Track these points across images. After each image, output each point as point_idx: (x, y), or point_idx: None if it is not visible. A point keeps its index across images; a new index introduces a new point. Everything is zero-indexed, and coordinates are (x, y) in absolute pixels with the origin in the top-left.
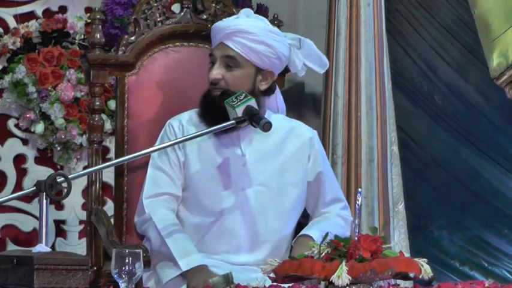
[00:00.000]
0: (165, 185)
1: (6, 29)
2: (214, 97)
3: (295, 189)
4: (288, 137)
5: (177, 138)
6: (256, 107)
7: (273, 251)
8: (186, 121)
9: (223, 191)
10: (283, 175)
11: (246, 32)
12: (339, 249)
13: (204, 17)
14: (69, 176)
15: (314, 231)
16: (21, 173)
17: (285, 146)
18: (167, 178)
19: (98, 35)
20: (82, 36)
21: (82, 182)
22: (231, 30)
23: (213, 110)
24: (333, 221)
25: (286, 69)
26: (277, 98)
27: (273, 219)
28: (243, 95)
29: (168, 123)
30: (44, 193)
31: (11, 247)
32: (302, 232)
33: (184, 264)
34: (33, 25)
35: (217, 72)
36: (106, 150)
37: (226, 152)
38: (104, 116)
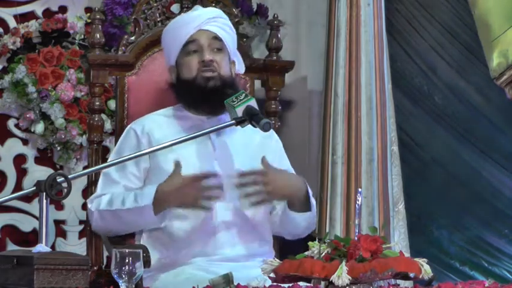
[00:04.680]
0: (107, 188)
1: (6, 29)
2: (206, 78)
3: None
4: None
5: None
6: (256, 106)
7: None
8: (150, 124)
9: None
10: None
11: (221, 17)
12: (339, 249)
13: None
14: (69, 176)
15: None
16: (21, 173)
17: (251, 137)
18: (111, 184)
19: (98, 35)
20: (82, 36)
21: (82, 182)
22: (209, 16)
23: (205, 93)
24: None
25: (286, 69)
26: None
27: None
28: (243, 95)
29: (129, 127)
30: (44, 193)
31: (11, 247)
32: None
33: (147, 200)
34: (33, 25)
35: (209, 54)
36: (106, 150)
37: (197, 147)
38: (104, 116)
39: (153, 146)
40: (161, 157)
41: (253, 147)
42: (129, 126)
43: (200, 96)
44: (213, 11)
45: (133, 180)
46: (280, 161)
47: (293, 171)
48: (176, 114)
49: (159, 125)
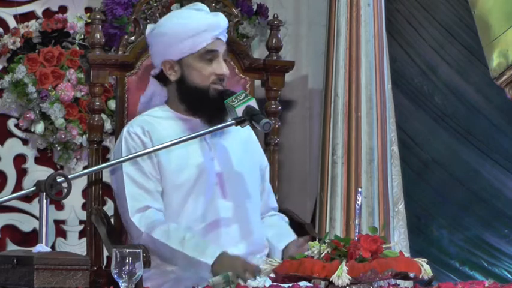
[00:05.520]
0: (144, 199)
1: (6, 29)
2: (219, 91)
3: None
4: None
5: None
6: (256, 106)
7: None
8: (147, 125)
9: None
10: (245, 160)
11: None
12: (339, 249)
13: None
14: (69, 176)
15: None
16: (21, 173)
17: (238, 135)
18: (145, 193)
19: (98, 35)
20: (82, 36)
21: (82, 182)
22: (225, 25)
23: (216, 105)
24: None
25: (286, 69)
26: None
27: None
28: (243, 94)
29: (127, 132)
30: (44, 193)
31: (11, 247)
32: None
33: (209, 259)
34: (33, 25)
35: (225, 67)
36: (106, 150)
37: (196, 146)
38: (104, 116)
39: (154, 146)
40: (163, 158)
41: (243, 143)
42: (125, 130)
43: (211, 106)
44: (225, 19)
45: (153, 179)
46: (256, 146)
47: (265, 157)
48: (169, 116)
49: (155, 126)
